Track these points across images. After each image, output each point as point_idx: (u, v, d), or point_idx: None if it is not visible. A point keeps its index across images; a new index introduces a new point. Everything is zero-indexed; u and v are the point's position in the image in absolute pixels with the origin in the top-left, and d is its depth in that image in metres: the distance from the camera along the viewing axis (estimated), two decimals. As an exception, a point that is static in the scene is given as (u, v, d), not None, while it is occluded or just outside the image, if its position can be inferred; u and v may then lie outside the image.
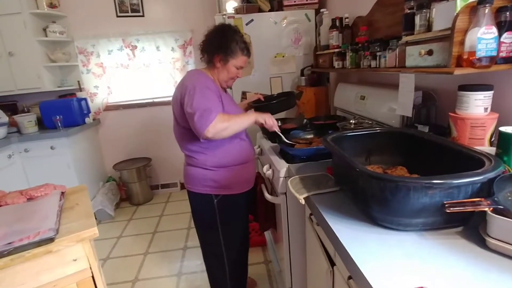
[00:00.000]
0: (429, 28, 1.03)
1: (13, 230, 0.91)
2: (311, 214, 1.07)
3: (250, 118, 1.37)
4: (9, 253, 0.85)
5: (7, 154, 2.50)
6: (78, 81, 3.11)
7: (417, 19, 1.05)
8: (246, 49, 1.42)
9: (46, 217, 0.97)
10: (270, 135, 1.74)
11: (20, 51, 2.75)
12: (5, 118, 2.56)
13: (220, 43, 1.37)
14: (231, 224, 1.50)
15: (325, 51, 2.05)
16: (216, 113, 1.24)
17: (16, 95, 2.97)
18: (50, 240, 0.89)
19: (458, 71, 0.88)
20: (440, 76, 1.25)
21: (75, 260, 0.96)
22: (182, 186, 3.57)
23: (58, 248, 0.90)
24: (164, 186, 3.61)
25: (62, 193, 1.20)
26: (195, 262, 2.24)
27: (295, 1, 2.38)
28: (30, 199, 1.13)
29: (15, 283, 0.89)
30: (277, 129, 1.43)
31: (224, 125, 1.25)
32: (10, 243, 0.86)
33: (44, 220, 0.95)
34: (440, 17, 0.96)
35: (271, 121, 1.40)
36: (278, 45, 2.44)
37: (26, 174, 2.67)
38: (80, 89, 3.12)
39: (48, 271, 0.93)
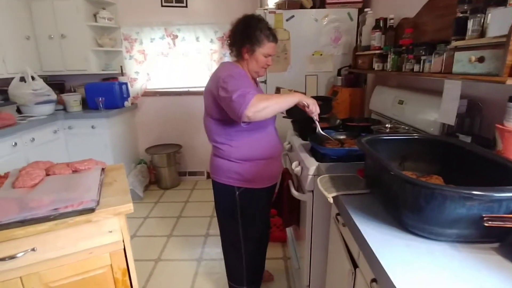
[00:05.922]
0: (482, 34, 0.98)
1: (60, 197, 0.99)
2: (337, 214, 1.07)
3: (294, 98, 1.31)
4: (55, 218, 0.93)
5: (53, 130, 2.70)
6: (121, 66, 3.27)
7: (470, 23, 1.00)
8: (272, 35, 1.38)
9: (89, 189, 1.04)
10: (301, 132, 1.74)
11: (71, 34, 2.92)
12: (54, 96, 2.75)
13: (244, 34, 1.35)
14: (251, 217, 1.51)
15: (366, 52, 2.00)
16: (254, 93, 1.21)
17: (64, 75, 3.18)
18: (91, 210, 0.96)
19: (510, 81, 0.83)
20: (489, 85, 1.19)
21: (111, 232, 1.03)
22: (208, 175, 3.64)
23: (97, 219, 0.97)
24: (192, 173, 3.71)
25: (103, 169, 1.28)
26: (216, 250, 2.29)
27: (338, -1, 2.34)
28: (75, 171, 1.22)
29: (56, 247, 0.97)
30: (316, 118, 1.39)
31: (264, 104, 1.19)
32: (56, 209, 0.94)
33: (87, 191, 1.02)
34: (495, 23, 0.91)
35: (314, 107, 1.35)
36: (316, 42, 2.42)
37: (68, 149, 2.87)
38: (122, 74, 3.27)
39: (86, 239, 1.00)
